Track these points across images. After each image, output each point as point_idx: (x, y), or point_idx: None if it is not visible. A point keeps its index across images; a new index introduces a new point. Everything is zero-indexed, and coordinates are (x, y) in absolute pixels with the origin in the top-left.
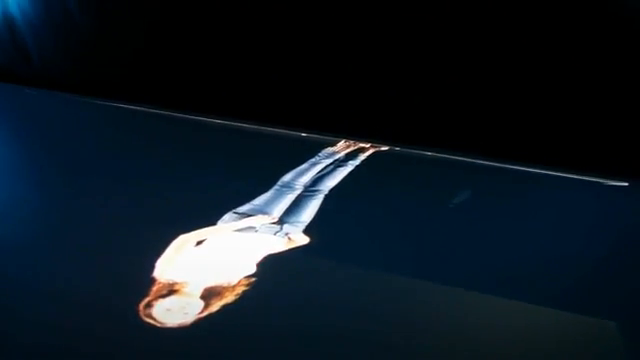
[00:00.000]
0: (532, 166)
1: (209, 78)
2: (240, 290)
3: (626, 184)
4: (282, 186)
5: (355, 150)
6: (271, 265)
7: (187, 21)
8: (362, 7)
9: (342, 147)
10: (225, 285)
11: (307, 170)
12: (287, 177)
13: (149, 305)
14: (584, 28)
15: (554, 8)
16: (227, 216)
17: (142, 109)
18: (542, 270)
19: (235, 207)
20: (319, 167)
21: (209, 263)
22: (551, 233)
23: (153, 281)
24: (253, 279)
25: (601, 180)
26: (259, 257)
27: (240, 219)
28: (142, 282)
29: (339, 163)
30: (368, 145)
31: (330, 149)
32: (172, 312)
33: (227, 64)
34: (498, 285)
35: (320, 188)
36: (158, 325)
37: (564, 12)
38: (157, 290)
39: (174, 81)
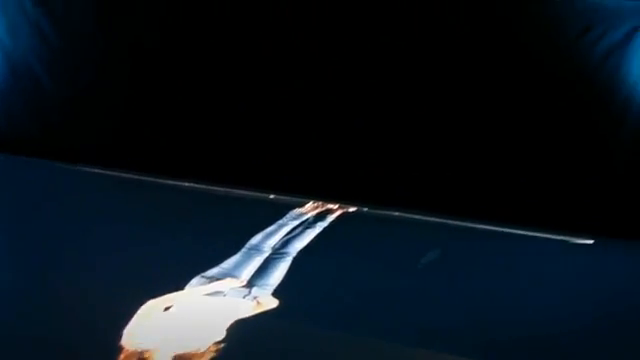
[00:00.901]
0: (499, 225)
1: (177, 142)
2: (209, 357)
3: (591, 242)
4: (250, 249)
5: (323, 211)
6: (240, 330)
7: (155, 89)
8: (327, 73)
9: (310, 208)
10: (194, 352)
11: (275, 232)
12: (255, 239)
13: None
14: (549, 102)
15: (514, 84)
16: (195, 280)
17: (112, 173)
18: (504, 331)
19: (203, 271)
20: (287, 229)
21: (178, 329)
22: (517, 293)
23: (121, 349)
24: (222, 345)
25: (566, 238)
26: (228, 322)
27: (208, 283)
28: (109, 350)
29: (307, 225)
30: (336, 206)
31: (298, 210)
32: None
33: (195, 129)
34: (459, 343)
35: (288, 250)
36: None
37: (529, 88)
38: (125, 359)
39: (143, 146)
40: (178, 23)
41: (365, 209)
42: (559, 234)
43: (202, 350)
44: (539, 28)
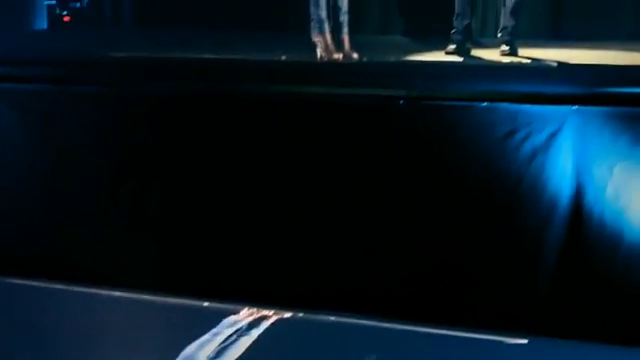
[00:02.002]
0: (435, 327)
1: (105, 250)
2: None
3: (525, 341)
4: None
5: (258, 318)
6: None
7: (84, 197)
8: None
9: (245, 315)
10: None
11: (209, 341)
12: (189, 350)
13: None
14: (476, 206)
15: (441, 191)
16: None
17: (37, 284)
18: None
19: None
20: (221, 338)
21: None
22: None
23: None
24: None
25: (501, 339)
26: None
27: None
28: None
29: (242, 332)
30: (271, 312)
31: (233, 318)
32: None
33: (122, 236)
34: None
35: None
36: None
37: (456, 193)
38: None
39: (68, 254)
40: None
41: (300, 314)
42: (494, 335)
43: None
44: (463, 135)
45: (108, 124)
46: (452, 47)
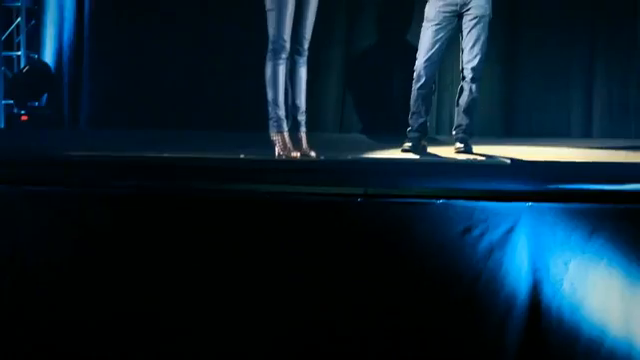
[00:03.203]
0: None
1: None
2: None
3: None
4: None
5: None
6: None
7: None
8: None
9: None
10: None
11: None
12: None
13: None
14: (434, 304)
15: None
16: None
17: None
18: None
19: None
20: None
21: None
22: None
23: None
24: None
25: None
26: None
27: None
28: None
29: None
30: None
31: None
32: None
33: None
34: None
35: None
36: None
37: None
38: None
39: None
40: None
41: None
42: None
43: None
44: (420, 232)
45: (64, 224)
46: (408, 145)
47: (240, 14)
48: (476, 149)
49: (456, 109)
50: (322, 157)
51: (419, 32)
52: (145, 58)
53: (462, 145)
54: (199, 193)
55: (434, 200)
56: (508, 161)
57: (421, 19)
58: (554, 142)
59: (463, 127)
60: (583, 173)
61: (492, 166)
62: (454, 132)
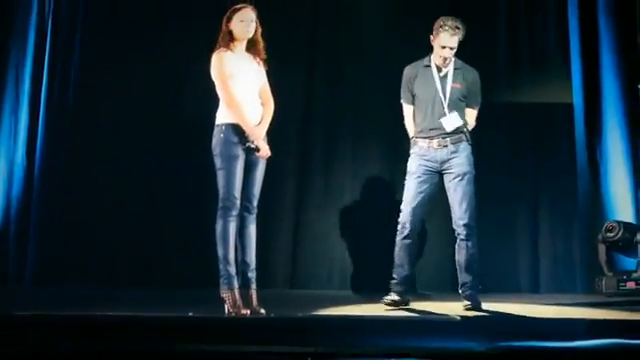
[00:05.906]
0: None
1: None
2: None
3: None
4: None
5: None
6: None
7: None
8: None
9: None
10: None
11: None
12: None
13: None
14: None
15: None
16: None
17: None
18: None
19: None
20: None
21: None
22: None
23: None
24: None
25: None
26: None
27: None
28: None
29: None
30: None
31: None
32: None
33: None
34: None
35: None
36: None
37: None
38: None
39: None
40: None
41: None
42: None
43: None
44: None
45: None
46: (391, 298)
47: (192, 171)
48: (426, 305)
49: (457, 267)
50: (272, 314)
51: (357, 192)
52: (94, 215)
53: (469, 303)
54: (148, 353)
55: (385, 358)
56: (458, 317)
57: (359, 183)
58: (503, 298)
59: (468, 284)
60: (531, 330)
61: (443, 322)
62: (460, 290)
